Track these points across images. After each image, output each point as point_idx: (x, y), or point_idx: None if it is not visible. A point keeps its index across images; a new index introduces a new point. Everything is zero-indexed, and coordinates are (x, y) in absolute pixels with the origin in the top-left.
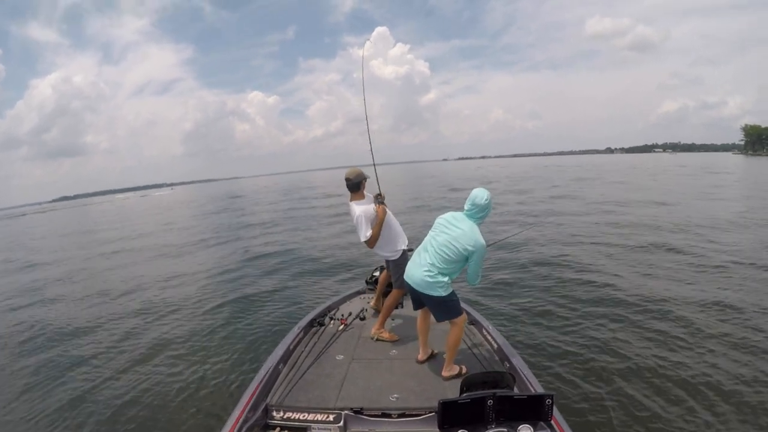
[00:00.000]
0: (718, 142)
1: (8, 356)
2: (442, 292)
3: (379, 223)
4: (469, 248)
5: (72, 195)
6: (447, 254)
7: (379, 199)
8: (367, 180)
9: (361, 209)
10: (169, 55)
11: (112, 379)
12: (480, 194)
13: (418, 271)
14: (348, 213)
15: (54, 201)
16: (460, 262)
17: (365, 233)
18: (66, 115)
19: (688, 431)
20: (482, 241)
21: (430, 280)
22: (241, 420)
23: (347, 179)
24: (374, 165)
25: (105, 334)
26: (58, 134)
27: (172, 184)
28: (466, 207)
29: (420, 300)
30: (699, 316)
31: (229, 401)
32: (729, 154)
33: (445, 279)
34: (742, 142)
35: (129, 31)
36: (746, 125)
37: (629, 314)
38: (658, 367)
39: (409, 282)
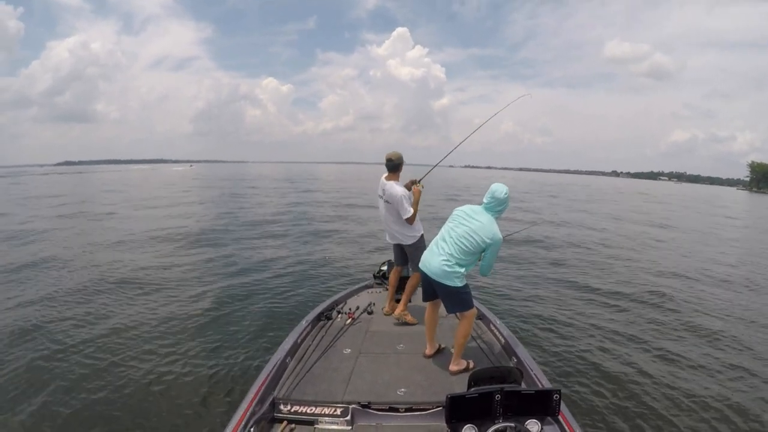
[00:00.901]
0: (724, 176)
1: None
2: (457, 283)
3: (416, 202)
4: (487, 241)
5: (76, 161)
6: (465, 246)
7: (414, 182)
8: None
9: (402, 190)
10: (188, 32)
11: (117, 369)
12: (500, 189)
13: (436, 260)
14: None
15: (58, 164)
16: (476, 254)
17: (409, 210)
18: (80, 81)
19: (694, 426)
20: (500, 235)
21: (448, 269)
22: (248, 413)
23: (389, 159)
24: (438, 165)
25: (110, 320)
26: (71, 98)
27: (179, 161)
28: (485, 200)
29: (432, 290)
30: (712, 316)
31: (236, 394)
32: (733, 189)
33: (462, 270)
34: (748, 179)
35: (152, 3)
36: (753, 162)
37: (637, 311)
38: (667, 363)
39: (425, 271)
